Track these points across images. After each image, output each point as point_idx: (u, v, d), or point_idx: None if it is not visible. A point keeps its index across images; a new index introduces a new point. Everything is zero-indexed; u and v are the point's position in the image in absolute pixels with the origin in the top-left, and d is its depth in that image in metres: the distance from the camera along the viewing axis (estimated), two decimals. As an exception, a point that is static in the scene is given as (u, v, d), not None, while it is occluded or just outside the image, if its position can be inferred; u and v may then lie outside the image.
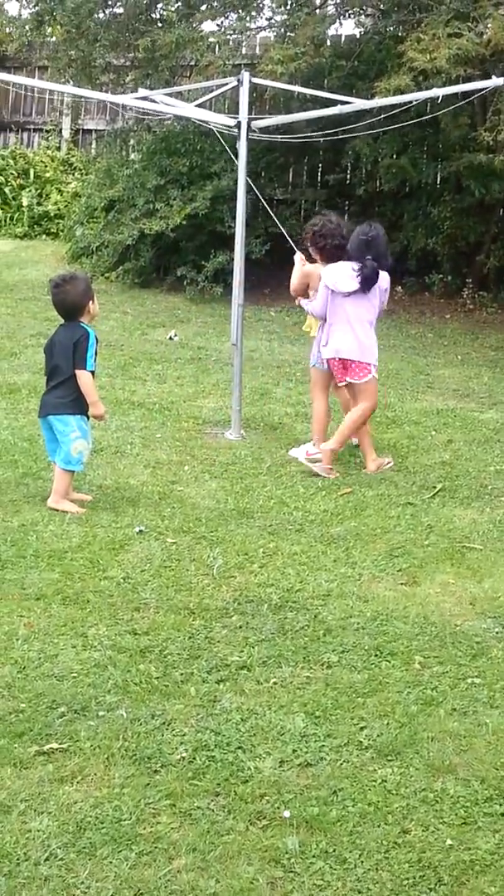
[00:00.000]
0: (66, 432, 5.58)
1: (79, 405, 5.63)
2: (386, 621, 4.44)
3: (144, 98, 8.13)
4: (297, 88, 9.76)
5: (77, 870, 2.85)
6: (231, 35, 12.58)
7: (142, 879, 2.83)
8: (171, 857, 2.93)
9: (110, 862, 2.89)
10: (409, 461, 6.78)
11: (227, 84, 7.94)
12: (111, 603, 4.48)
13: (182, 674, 3.92)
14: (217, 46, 12.33)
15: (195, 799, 3.18)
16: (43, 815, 3.06)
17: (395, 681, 3.95)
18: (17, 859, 2.88)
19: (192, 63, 12.52)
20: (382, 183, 12.62)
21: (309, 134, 8.30)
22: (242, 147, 7.16)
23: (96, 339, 5.64)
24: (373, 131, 9.89)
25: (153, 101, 7.91)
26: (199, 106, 8.01)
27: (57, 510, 5.48)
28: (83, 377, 5.58)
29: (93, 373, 5.63)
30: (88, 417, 5.70)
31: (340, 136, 9.55)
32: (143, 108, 8.65)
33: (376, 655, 4.14)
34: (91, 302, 5.72)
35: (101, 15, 12.80)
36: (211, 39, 12.36)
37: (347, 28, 13.13)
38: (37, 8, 13.08)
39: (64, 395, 5.61)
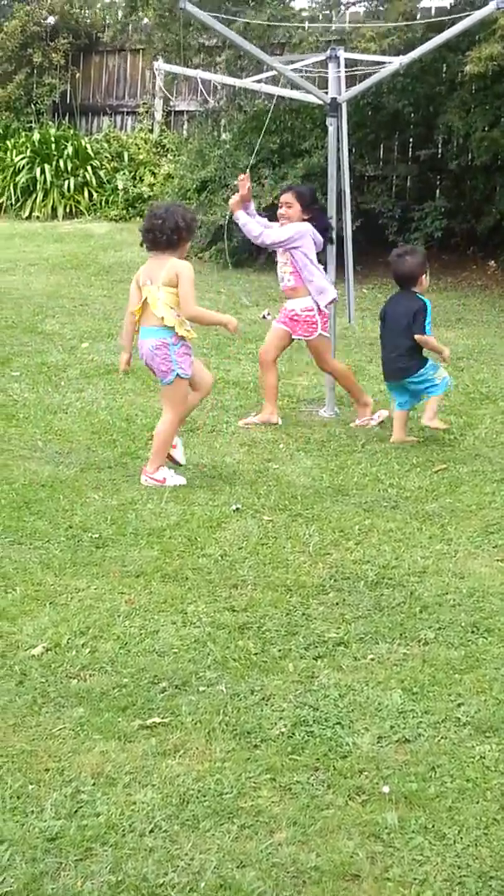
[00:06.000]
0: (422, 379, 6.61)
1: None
2: (482, 598, 4.43)
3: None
4: (386, 58, 9.65)
5: (181, 841, 2.92)
6: (322, 11, 12.50)
7: (244, 852, 2.88)
8: (272, 830, 2.97)
9: (213, 834, 2.95)
10: (505, 437, 6.74)
11: (319, 58, 7.91)
12: (209, 580, 4.54)
13: (280, 650, 3.97)
14: (308, 22, 12.27)
15: (295, 773, 3.22)
16: (147, 788, 3.13)
17: (492, 657, 3.95)
18: (123, 830, 2.95)
19: (284, 41, 12.48)
20: (474, 157, 12.44)
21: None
22: (336, 125, 7.12)
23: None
24: None
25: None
26: (289, 83, 7.97)
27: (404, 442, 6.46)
28: None
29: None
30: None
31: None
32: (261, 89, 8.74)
33: (473, 632, 4.14)
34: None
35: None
36: (304, 14, 12.31)
37: (437, -1, 12.96)
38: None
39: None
